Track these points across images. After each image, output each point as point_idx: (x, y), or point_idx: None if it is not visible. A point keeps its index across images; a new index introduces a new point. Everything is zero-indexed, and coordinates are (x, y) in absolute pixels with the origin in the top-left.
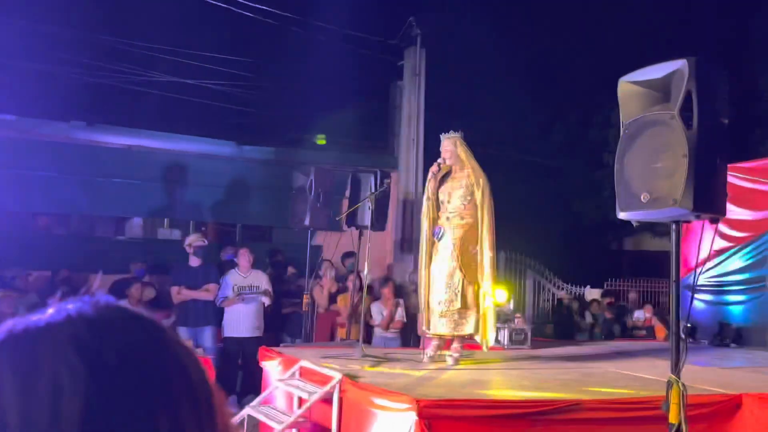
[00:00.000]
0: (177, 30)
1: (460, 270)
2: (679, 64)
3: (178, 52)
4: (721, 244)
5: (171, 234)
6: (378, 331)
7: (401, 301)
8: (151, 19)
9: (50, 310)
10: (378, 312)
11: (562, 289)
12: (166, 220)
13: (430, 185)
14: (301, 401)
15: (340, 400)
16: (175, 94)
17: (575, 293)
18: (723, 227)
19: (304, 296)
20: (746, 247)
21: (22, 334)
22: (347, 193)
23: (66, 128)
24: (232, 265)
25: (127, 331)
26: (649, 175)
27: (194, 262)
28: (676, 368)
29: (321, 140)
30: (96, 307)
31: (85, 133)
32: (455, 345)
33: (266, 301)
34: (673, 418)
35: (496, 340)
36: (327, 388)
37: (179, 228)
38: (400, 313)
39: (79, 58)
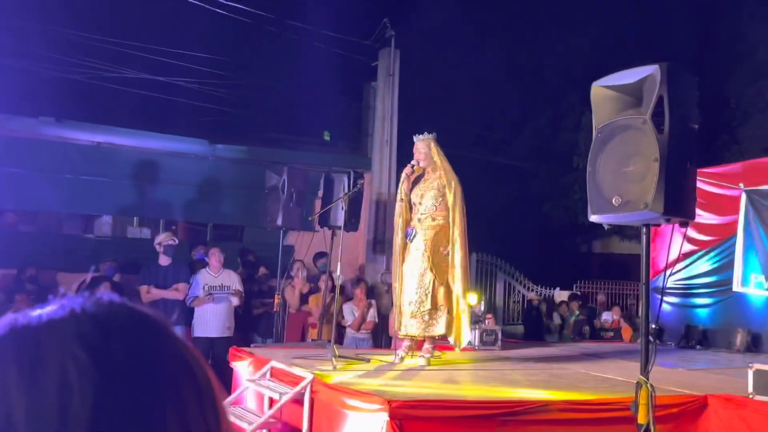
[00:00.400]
0: (149, 26)
1: (431, 271)
2: (651, 70)
3: (150, 49)
4: (688, 247)
5: (140, 233)
6: (349, 332)
7: (373, 302)
8: (122, 14)
9: (51, 306)
10: (350, 312)
11: (532, 290)
12: (135, 218)
13: (403, 186)
14: (271, 402)
15: (311, 400)
16: (146, 91)
17: (545, 295)
18: (690, 231)
19: (276, 296)
20: (712, 251)
21: (24, 329)
22: (320, 193)
23: (34, 124)
24: (203, 264)
25: (133, 328)
26: (621, 178)
27: (164, 261)
28: (645, 370)
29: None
30: (100, 304)
31: (54, 129)
32: (426, 346)
33: (235, 301)
34: (641, 419)
35: (468, 342)
36: (298, 388)
37: (149, 227)
38: (372, 314)
39: (49, 52)
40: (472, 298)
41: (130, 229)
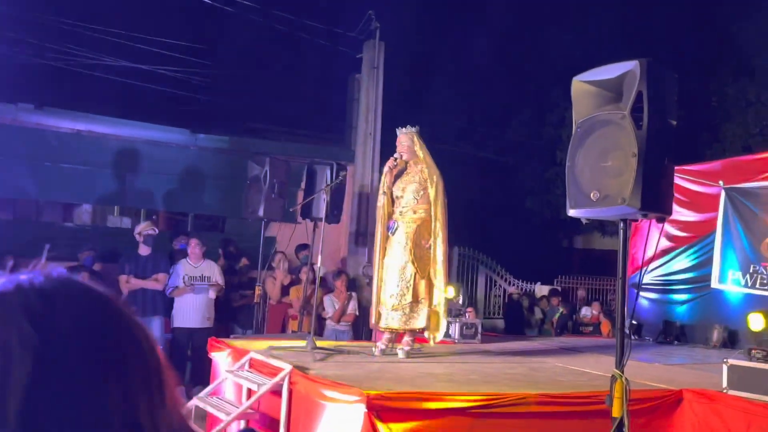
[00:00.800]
0: (131, 14)
1: (413, 264)
2: (631, 66)
3: (132, 37)
4: (668, 244)
5: (121, 222)
6: (329, 324)
7: (354, 294)
8: (105, 1)
9: (1, 280)
10: (330, 304)
11: (513, 284)
12: (116, 207)
13: (386, 179)
14: (250, 393)
15: (290, 391)
16: (128, 79)
17: (525, 289)
18: (670, 228)
19: (256, 288)
20: (691, 247)
21: None
22: (303, 184)
23: (13, 110)
24: (184, 254)
25: (79, 301)
26: (599, 173)
27: (144, 250)
28: (620, 363)
29: None
30: (48, 278)
31: (34, 116)
32: (406, 338)
33: (212, 294)
34: (616, 412)
35: (447, 334)
36: (276, 379)
37: (129, 216)
38: (352, 306)
39: (28, 38)
40: (450, 291)
41: (111, 218)
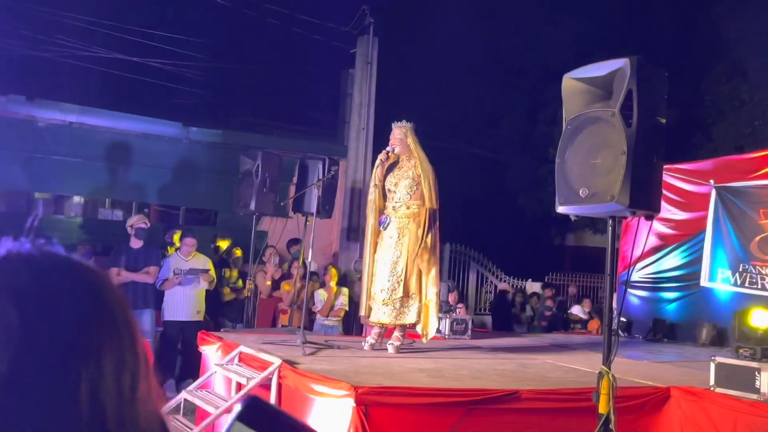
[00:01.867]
0: (124, 6)
1: (404, 259)
2: (621, 63)
3: (125, 29)
4: (658, 242)
5: (112, 214)
6: (319, 318)
7: (345, 289)
8: None
9: None
10: (320, 299)
11: (505, 281)
12: (107, 200)
13: (377, 172)
14: (239, 386)
15: (279, 385)
16: (120, 71)
17: (517, 286)
18: (661, 226)
19: (248, 282)
20: (682, 245)
21: None
22: (295, 179)
23: (4, 102)
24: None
25: (63, 273)
26: (589, 170)
27: (135, 243)
28: (607, 360)
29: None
30: (38, 249)
31: (25, 108)
32: (396, 333)
33: (203, 283)
34: (602, 408)
35: (438, 330)
36: (265, 373)
37: (121, 209)
38: (341, 301)
39: (20, 30)
40: (442, 288)
41: (102, 210)
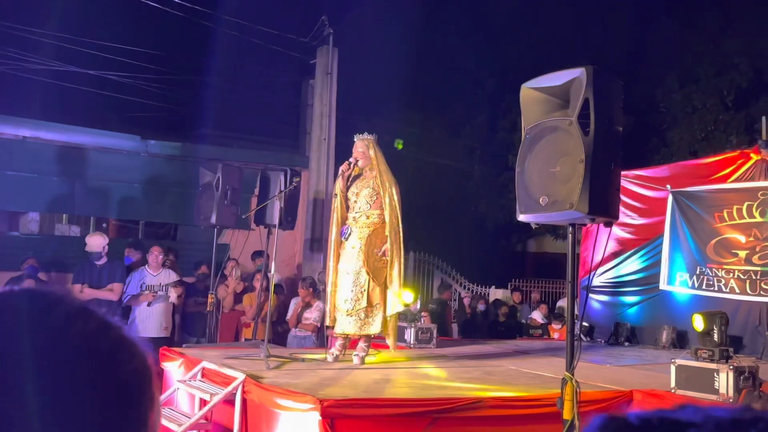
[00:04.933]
0: (79, 17)
1: (367, 269)
2: (578, 73)
3: (80, 42)
4: (618, 247)
5: (69, 230)
6: (293, 331)
7: (319, 303)
8: (51, 4)
9: None
10: (294, 309)
11: (468, 289)
12: (64, 215)
13: (339, 182)
14: (202, 402)
15: (243, 401)
16: (76, 84)
17: (480, 293)
18: (620, 231)
19: (209, 295)
20: (641, 250)
21: None
22: (256, 191)
23: None
24: (138, 264)
25: (30, 309)
26: (548, 179)
27: (99, 260)
28: (570, 366)
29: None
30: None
31: None
32: (361, 344)
33: (173, 297)
34: (567, 414)
35: (402, 339)
36: (229, 388)
37: (78, 224)
38: (316, 316)
39: None
40: (408, 296)
41: (59, 226)
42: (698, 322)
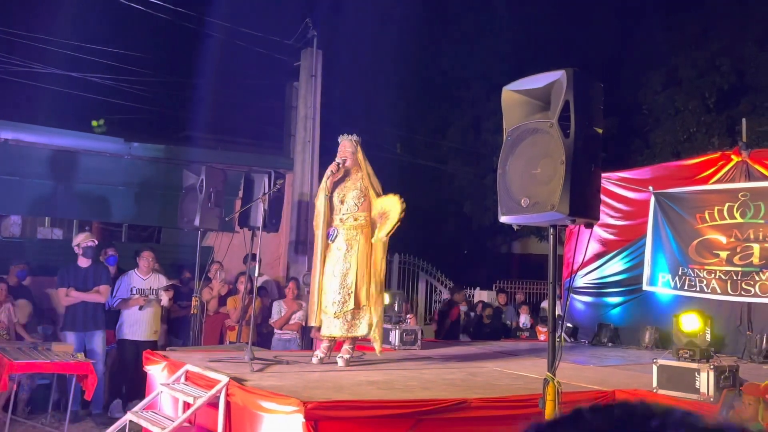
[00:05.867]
0: (60, 20)
1: (353, 271)
2: (558, 75)
3: (63, 44)
4: (601, 248)
5: (52, 233)
6: (277, 333)
7: (303, 303)
8: (34, 7)
9: None
10: (278, 311)
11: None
12: (46, 218)
13: (327, 183)
14: (186, 406)
15: (227, 403)
16: (58, 87)
17: (465, 294)
18: (603, 232)
19: (193, 298)
20: (624, 251)
21: None
22: (240, 193)
23: None
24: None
25: None
26: (529, 180)
27: (84, 262)
28: (552, 366)
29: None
30: None
31: None
32: (346, 346)
33: (164, 300)
34: (549, 414)
35: (387, 341)
36: (213, 391)
37: (61, 227)
38: (299, 315)
39: None
40: (396, 298)
41: (41, 229)
42: (692, 322)
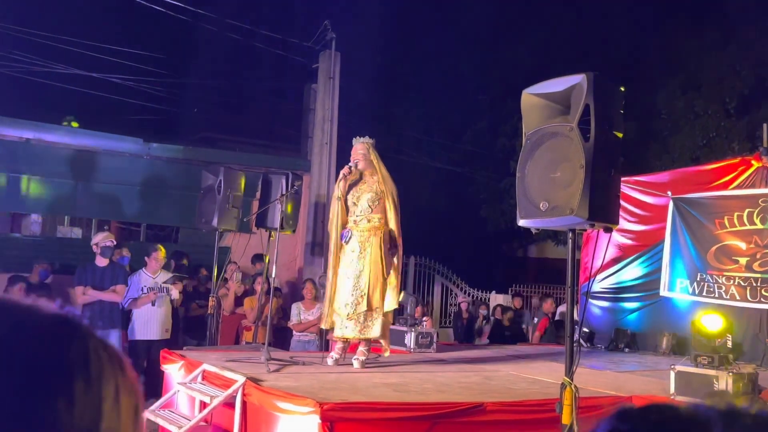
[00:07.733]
0: (83, 21)
1: (367, 273)
2: (579, 79)
3: (84, 44)
4: (618, 253)
5: (71, 232)
6: (296, 335)
7: (320, 305)
8: (56, 8)
9: None
10: (296, 313)
11: (469, 294)
12: (66, 217)
13: (340, 185)
14: (203, 405)
15: (243, 403)
16: (80, 87)
17: (481, 298)
18: (621, 237)
19: (210, 299)
20: (642, 256)
21: None
22: (258, 194)
23: None
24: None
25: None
26: (548, 184)
27: (101, 262)
28: (569, 371)
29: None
30: None
31: None
32: (361, 348)
33: (175, 293)
34: (565, 419)
35: (402, 344)
36: (229, 391)
37: (80, 226)
38: (317, 316)
39: None
40: (409, 301)
41: (61, 228)
42: (715, 322)
